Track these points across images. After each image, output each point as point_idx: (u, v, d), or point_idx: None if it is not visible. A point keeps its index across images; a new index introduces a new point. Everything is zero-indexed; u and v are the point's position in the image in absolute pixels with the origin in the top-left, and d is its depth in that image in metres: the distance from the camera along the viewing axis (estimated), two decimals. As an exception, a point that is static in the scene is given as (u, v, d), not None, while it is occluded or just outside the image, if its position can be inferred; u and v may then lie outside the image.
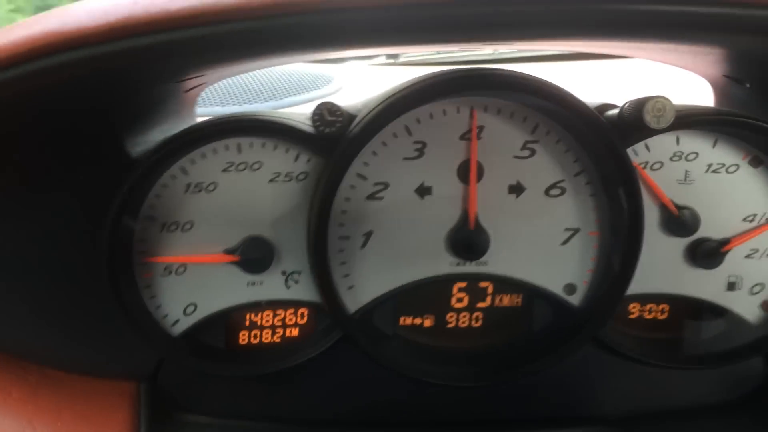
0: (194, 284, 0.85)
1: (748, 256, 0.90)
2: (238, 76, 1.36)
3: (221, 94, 1.27)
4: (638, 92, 0.80)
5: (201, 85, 0.91)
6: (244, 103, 1.27)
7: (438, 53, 1.75)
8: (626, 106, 0.79)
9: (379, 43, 0.68)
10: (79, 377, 0.85)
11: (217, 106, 1.23)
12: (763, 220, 0.89)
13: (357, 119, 0.79)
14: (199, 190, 0.83)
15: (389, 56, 1.77)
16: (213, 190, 0.83)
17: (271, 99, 1.28)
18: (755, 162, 0.87)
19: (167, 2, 0.54)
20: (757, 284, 0.91)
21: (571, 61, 1.70)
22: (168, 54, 0.57)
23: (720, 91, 0.98)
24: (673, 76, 1.27)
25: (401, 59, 1.79)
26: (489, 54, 1.70)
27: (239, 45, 0.58)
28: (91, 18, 0.56)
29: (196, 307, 0.86)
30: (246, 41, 0.57)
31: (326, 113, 0.76)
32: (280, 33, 0.57)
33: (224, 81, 1.32)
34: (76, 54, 0.56)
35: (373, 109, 0.78)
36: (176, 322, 0.86)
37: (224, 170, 0.83)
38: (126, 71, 0.62)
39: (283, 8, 0.54)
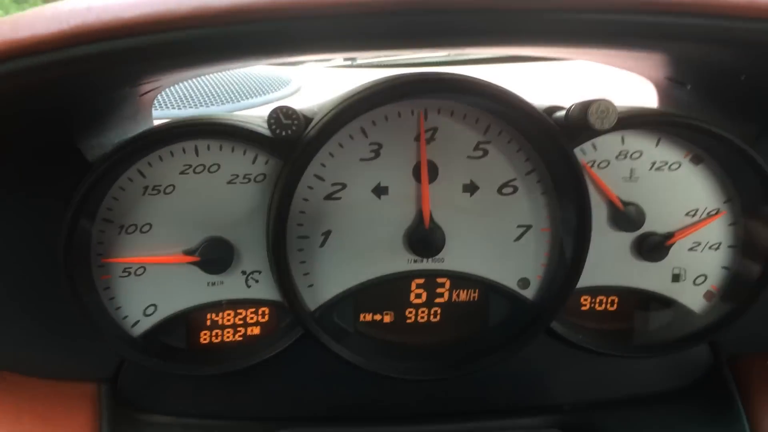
0: (154, 285, 0.86)
1: (691, 249, 0.94)
2: (195, 79, 1.36)
3: (178, 97, 1.26)
4: (586, 93, 0.84)
5: (156, 88, 0.91)
6: (201, 106, 1.26)
7: (394, 56, 1.77)
8: (572, 108, 0.82)
9: (329, 50, 0.70)
10: (38, 380, 0.85)
11: (173, 109, 1.23)
12: (704, 215, 0.93)
13: (313, 122, 0.81)
14: (157, 193, 0.83)
15: (346, 58, 1.79)
16: (171, 192, 0.84)
17: (228, 102, 1.28)
18: (696, 160, 0.92)
19: (120, 10, 0.54)
20: (700, 275, 0.95)
21: (522, 63, 1.74)
22: (122, 61, 0.58)
23: (663, 92, 1.02)
24: (619, 77, 1.31)
25: (358, 62, 1.81)
26: (444, 56, 1.72)
27: (193, 52, 0.58)
28: (44, 25, 0.56)
29: (156, 307, 0.86)
30: (200, 48, 0.58)
31: (282, 117, 0.77)
32: (233, 40, 0.58)
33: (181, 84, 1.31)
34: (29, 61, 0.56)
35: (329, 111, 0.79)
36: (136, 323, 0.86)
37: (182, 173, 0.83)
38: (80, 77, 0.62)
39: (237, 16, 0.55)
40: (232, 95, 1.30)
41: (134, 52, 0.56)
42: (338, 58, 1.78)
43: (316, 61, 1.81)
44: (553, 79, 1.64)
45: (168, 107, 1.23)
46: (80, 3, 0.56)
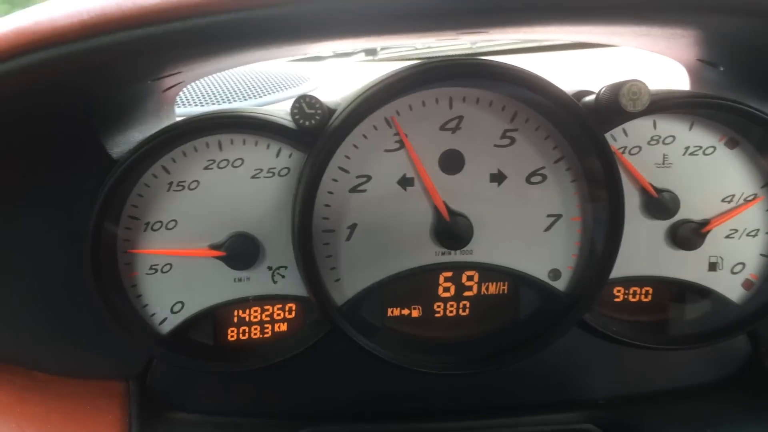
0: (181, 282, 0.85)
1: (728, 237, 0.92)
2: (215, 77, 1.36)
3: (199, 94, 1.27)
4: (615, 79, 0.81)
5: (179, 84, 0.90)
6: (223, 102, 1.26)
7: (416, 48, 1.76)
8: (602, 91, 0.80)
9: (353, 34, 0.68)
10: (67, 379, 0.85)
11: (196, 106, 1.23)
12: (741, 201, 0.90)
13: (337, 112, 0.80)
14: (182, 189, 0.83)
15: (367, 53, 1.77)
16: (195, 188, 0.83)
17: (249, 98, 1.28)
18: (731, 143, 0.89)
19: (139, -1, 0.54)
20: (738, 263, 0.93)
21: (547, 52, 1.71)
22: (142, 50, 0.57)
23: (694, 76, 1.00)
24: (647, 66, 1.29)
25: (379, 56, 1.79)
26: (467, 48, 1.70)
27: (214, 39, 0.58)
28: (64, 15, 0.55)
29: (183, 305, 0.86)
30: (220, 35, 0.57)
31: (305, 106, 0.76)
32: (254, 26, 0.57)
33: (202, 81, 1.32)
34: (50, 52, 0.55)
35: (353, 101, 0.78)
36: (164, 320, 0.86)
37: (206, 168, 0.83)
38: (101, 69, 0.62)
39: (257, 1, 0.54)
40: (253, 92, 1.30)
41: (154, 41, 0.55)
42: (360, 51, 1.77)
43: (337, 56, 1.80)
44: (579, 68, 1.61)
45: (190, 104, 1.23)
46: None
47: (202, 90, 1.28)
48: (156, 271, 0.84)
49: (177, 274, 0.85)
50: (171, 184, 0.83)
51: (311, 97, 0.76)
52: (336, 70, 1.63)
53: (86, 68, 0.59)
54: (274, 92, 1.33)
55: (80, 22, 0.53)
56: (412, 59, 1.70)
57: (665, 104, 0.83)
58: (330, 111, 0.80)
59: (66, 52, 0.55)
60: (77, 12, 0.54)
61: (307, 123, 0.77)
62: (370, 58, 1.79)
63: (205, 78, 1.33)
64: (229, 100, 1.27)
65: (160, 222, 0.83)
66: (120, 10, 0.53)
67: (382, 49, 1.79)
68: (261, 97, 1.30)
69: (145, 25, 0.54)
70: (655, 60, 1.10)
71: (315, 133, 0.79)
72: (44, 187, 0.78)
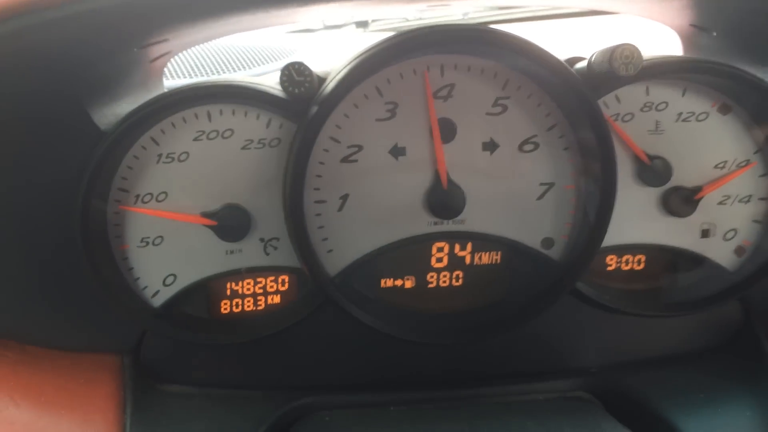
0: (172, 255, 0.85)
1: (720, 203, 0.92)
2: (204, 50, 1.34)
3: (188, 66, 1.25)
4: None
5: (166, 54, 0.89)
6: (211, 74, 1.25)
7: (407, 20, 1.74)
8: (594, 56, 0.79)
9: None
10: (60, 352, 0.85)
11: (184, 78, 1.21)
12: (733, 167, 0.90)
13: (327, 80, 0.79)
14: (171, 161, 0.82)
15: (358, 25, 1.75)
16: (185, 159, 0.83)
17: (238, 69, 1.27)
18: (724, 109, 0.88)
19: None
20: (730, 230, 0.93)
21: (539, 21, 1.70)
22: (127, 14, 0.56)
23: (687, 41, 0.99)
24: (639, 36, 1.27)
25: (371, 28, 1.77)
26: (458, 19, 1.68)
27: (199, 2, 0.57)
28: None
29: (175, 277, 0.86)
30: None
31: (294, 73, 0.75)
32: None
33: (190, 54, 1.30)
34: (33, 17, 0.54)
35: (343, 69, 0.77)
36: (156, 293, 0.86)
37: (195, 139, 0.82)
38: (87, 35, 0.61)
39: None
40: (242, 63, 1.29)
41: (138, 5, 0.54)
42: (351, 23, 1.75)
43: (328, 28, 1.78)
44: (571, 37, 1.60)
45: (179, 77, 1.21)
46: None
47: (191, 62, 1.26)
48: (147, 243, 0.84)
49: (168, 246, 0.84)
50: (160, 155, 0.82)
51: (300, 64, 0.75)
52: (326, 43, 1.62)
53: (71, 35, 0.58)
54: (263, 64, 1.31)
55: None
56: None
57: (658, 69, 0.82)
58: (320, 79, 0.79)
59: (50, 17, 0.54)
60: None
61: (296, 90, 0.76)
62: (362, 30, 1.77)
63: (193, 50, 1.31)
64: (217, 72, 1.26)
65: (150, 194, 0.82)
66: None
67: (374, 20, 1.77)
68: (250, 68, 1.28)
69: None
70: (647, 30, 1.08)
71: (305, 101, 0.78)
72: (32, 160, 0.77)
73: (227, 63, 1.29)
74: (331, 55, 1.43)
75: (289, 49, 1.44)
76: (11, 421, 0.76)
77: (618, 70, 0.75)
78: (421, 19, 1.70)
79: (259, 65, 1.30)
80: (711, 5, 0.81)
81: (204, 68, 1.25)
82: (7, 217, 0.79)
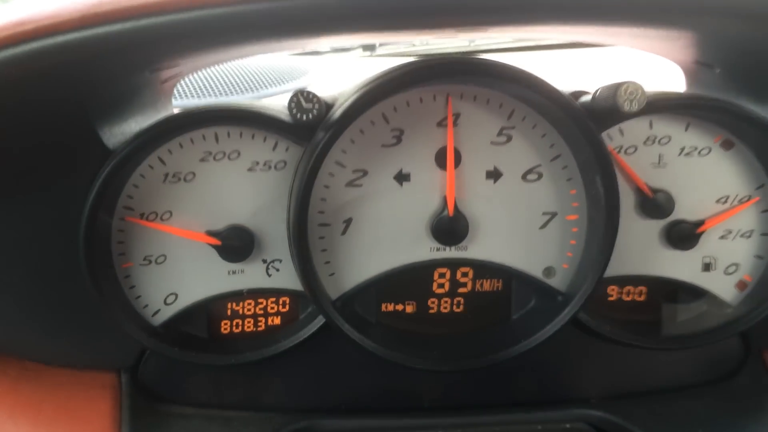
0: (175, 274, 0.85)
1: (722, 237, 0.92)
2: (213, 70, 1.36)
3: (197, 87, 1.26)
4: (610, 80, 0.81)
5: (176, 76, 0.90)
6: (220, 95, 1.26)
7: (414, 45, 1.76)
8: (599, 91, 0.80)
9: (350, 29, 0.68)
10: (59, 369, 0.85)
11: (193, 98, 1.22)
12: (735, 202, 0.90)
13: (335, 106, 0.79)
14: (178, 180, 0.83)
15: (365, 48, 1.77)
16: (191, 180, 0.83)
17: (246, 91, 1.28)
18: (727, 145, 0.89)
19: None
20: (731, 264, 0.93)
21: (544, 51, 1.72)
22: (141, 41, 0.57)
23: (691, 77, 0.99)
24: (643, 67, 1.29)
25: (378, 52, 1.79)
26: (465, 45, 1.70)
27: (212, 32, 0.58)
28: (62, 5, 0.55)
29: (176, 296, 0.86)
30: (217, 28, 0.57)
31: (302, 100, 0.76)
32: (250, 19, 0.57)
33: (199, 75, 1.31)
34: (47, 42, 0.55)
35: (351, 96, 0.78)
36: (157, 311, 0.86)
37: (202, 160, 0.83)
38: (99, 59, 0.61)
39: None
40: (250, 85, 1.30)
41: (151, 33, 0.55)
42: (357, 47, 1.77)
43: (335, 51, 1.80)
44: (575, 67, 1.61)
45: (188, 97, 1.23)
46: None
47: (200, 83, 1.27)
48: (150, 262, 0.84)
49: (171, 265, 0.85)
50: (167, 175, 0.83)
51: (308, 92, 0.76)
52: (334, 65, 1.63)
53: (84, 59, 0.59)
54: (271, 86, 1.32)
55: (78, 11, 0.53)
56: (411, 56, 1.70)
57: (662, 105, 0.83)
58: (327, 105, 0.79)
59: (63, 41, 0.55)
60: (75, 1, 0.54)
61: (304, 117, 0.77)
62: (368, 54, 1.79)
63: (203, 71, 1.32)
64: (226, 93, 1.27)
65: (155, 213, 0.83)
66: (118, 1, 0.53)
67: (381, 45, 1.79)
68: (258, 90, 1.30)
69: (143, 16, 0.54)
70: (651, 61, 1.10)
71: (312, 127, 0.79)
72: (40, 177, 0.78)
73: (235, 84, 1.30)
74: (339, 79, 1.44)
75: (296, 72, 1.46)
76: (9, 439, 0.76)
77: (622, 106, 0.76)
78: (427, 44, 1.72)
79: (266, 87, 1.32)
80: (714, 44, 0.82)
81: (212, 89, 1.26)
82: (11, 231, 0.80)
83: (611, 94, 0.77)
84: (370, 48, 1.77)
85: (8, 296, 0.82)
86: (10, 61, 0.58)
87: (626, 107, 0.77)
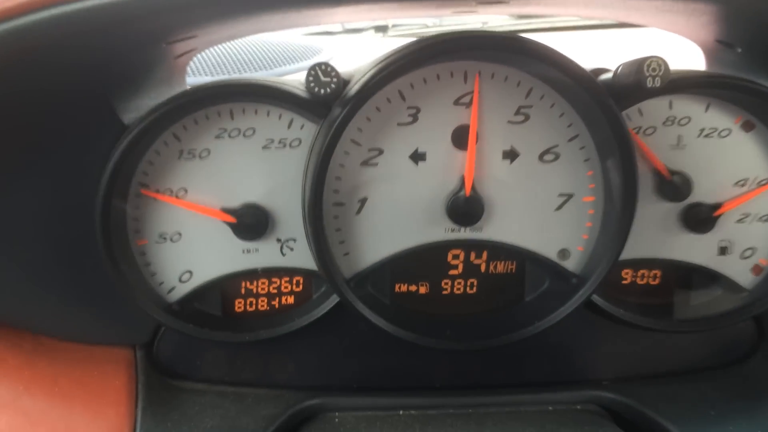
0: (189, 252, 0.85)
1: (739, 221, 0.91)
2: (227, 48, 1.35)
3: (211, 64, 1.26)
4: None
5: (191, 51, 0.89)
6: (234, 72, 1.25)
7: (426, 27, 1.74)
8: (621, 67, 0.79)
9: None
10: (75, 345, 0.85)
11: (207, 75, 1.22)
12: (754, 185, 0.89)
13: (351, 83, 0.79)
14: (192, 157, 0.83)
15: (377, 29, 1.76)
16: (206, 156, 0.83)
17: (261, 68, 1.27)
18: (747, 126, 0.88)
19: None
20: (748, 248, 0.92)
21: (562, 31, 1.69)
22: (159, 9, 0.56)
23: (711, 57, 0.98)
24: (663, 51, 1.27)
25: (390, 33, 1.78)
26: (478, 27, 1.68)
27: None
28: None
29: (192, 274, 0.86)
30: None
31: (321, 73, 0.75)
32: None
33: (213, 52, 1.30)
34: (66, 8, 0.55)
35: (367, 72, 0.77)
36: (172, 289, 0.86)
37: (217, 137, 0.82)
38: (117, 27, 0.61)
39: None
40: (264, 63, 1.29)
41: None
42: (370, 28, 1.75)
43: (347, 32, 1.79)
44: (594, 49, 1.59)
45: (201, 74, 1.22)
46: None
47: (214, 60, 1.27)
48: (165, 239, 0.84)
49: (186, 243, 0.85)
50: (182, 152, 0.82)
51: (327, 65, 0.75)
52: (346, 46, 1.62)
53: (102, 27, 0.58)
54: (285, 64, 1.32)
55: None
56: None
57: (682, 84, 0.82)
58: (344, 82, 0.79)
59: (82, 7, 0.54)
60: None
61: (321, 91, 0.76)
62: (381, 34, 1.77)
63: (215, 48, 1.31)
64: (239, 70, 1.26)
65: (170, 189, 0.83)
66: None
67: (393, 26, 1.78)
68: (273, 68, 1.29)
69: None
70: (670, 45, 1.08)
71: (328, 103, 0.78)
72: (56, 151, 0.78)
73: (248, 62, 1.29)
74: (352, 58, 1.43)
75: (310, 50, 1.45)
76: (25, 411, 0.77)
77: (646, 81, 0.75)
78: (440, 26, 1.70)
79: (280, 65, 1.31)
80: (737, 21, 0.81)
81: (225, 66, 1.25)
82: (28, 206, 0.80)
83: (634, 69, 0.76)
84: (382, 29, 1.75)
85: (25, 271, 0.82)
86: (29, 28, 0.57)
87: (650, 82, 0.76)
